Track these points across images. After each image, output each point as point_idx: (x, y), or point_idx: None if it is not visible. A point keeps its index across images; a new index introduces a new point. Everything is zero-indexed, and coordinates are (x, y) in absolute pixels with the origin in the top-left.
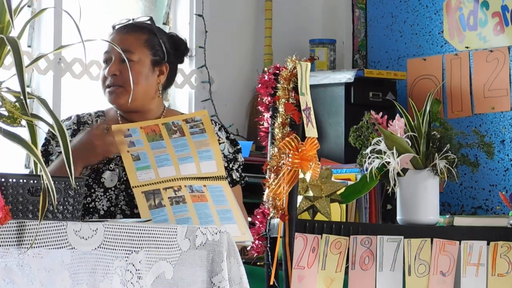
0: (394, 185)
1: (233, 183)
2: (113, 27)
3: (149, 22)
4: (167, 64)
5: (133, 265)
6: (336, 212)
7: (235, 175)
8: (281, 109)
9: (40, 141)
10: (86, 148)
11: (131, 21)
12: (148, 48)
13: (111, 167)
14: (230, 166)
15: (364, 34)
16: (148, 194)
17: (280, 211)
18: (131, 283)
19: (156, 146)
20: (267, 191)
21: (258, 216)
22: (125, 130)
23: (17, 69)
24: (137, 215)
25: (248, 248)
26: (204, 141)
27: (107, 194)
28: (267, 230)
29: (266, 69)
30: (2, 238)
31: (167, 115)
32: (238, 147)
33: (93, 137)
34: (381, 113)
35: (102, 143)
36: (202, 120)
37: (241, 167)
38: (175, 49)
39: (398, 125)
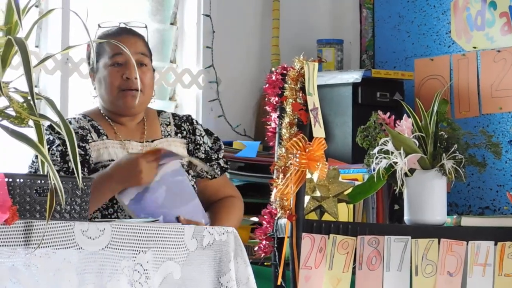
0: (402, 185)
1: (222, 171)
2: (99, 26)
3: (145, 28)
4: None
5: (141, 265)
6: (344, 212)
7: (222, 162)
8: (288, 109)
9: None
10: (130, 171)
11: (122, 25)
12: (149, 52)
13: None
14: (217, 156)
15: (371, 34)
16: None
17: (288, 211)
18: (139, 283)
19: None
20: (274, 191)
21: (265, 216)
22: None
23: (24, 69)
24: None
25: (256, 249)
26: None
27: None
28: (274, 230)
29: (273, 69)
30: (10, 238)
31: (147, 114)
32: (215, 135)
33: (140, 163)
34: (388, 113)
35: (148, 172)
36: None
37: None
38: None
39: (405, 125)
